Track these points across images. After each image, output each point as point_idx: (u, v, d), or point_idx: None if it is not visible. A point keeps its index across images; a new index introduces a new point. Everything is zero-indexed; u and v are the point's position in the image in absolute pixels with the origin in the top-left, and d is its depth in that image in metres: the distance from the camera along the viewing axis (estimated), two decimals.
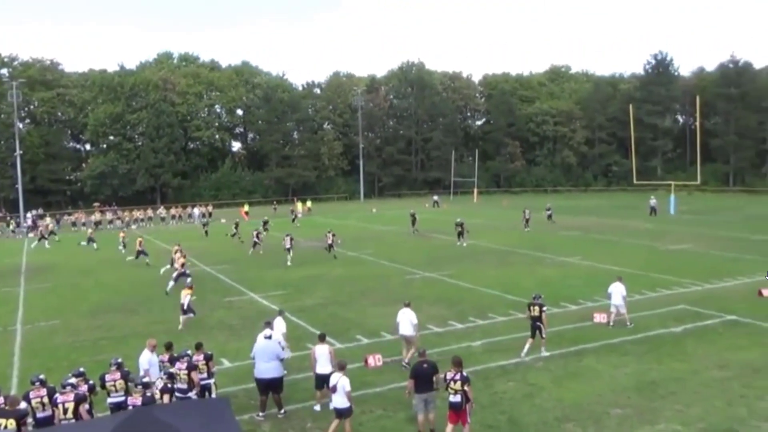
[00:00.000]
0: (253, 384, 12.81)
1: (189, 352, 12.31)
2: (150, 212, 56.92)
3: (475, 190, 78.70)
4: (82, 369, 11.53)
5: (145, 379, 10.98)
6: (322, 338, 12.95)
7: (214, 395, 12.11)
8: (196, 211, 58.61)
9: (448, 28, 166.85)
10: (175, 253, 27.75)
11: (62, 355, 16.59)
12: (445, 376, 10.82)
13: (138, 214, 56.08)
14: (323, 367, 12.49)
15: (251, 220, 52.35)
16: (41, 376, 10.81)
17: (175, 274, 24.66)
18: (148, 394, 10.51)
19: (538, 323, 15.37)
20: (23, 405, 10.14)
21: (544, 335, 15.43)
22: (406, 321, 15.15)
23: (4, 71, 74.73)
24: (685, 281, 23.64)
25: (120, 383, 11.31)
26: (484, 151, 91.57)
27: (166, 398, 10.80)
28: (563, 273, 26.08)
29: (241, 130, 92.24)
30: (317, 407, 12.58)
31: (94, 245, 38.44)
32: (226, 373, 14.40)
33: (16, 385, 14.35)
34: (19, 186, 60.89)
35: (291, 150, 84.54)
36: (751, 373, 13.78)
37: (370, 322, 18.78)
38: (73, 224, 53.91)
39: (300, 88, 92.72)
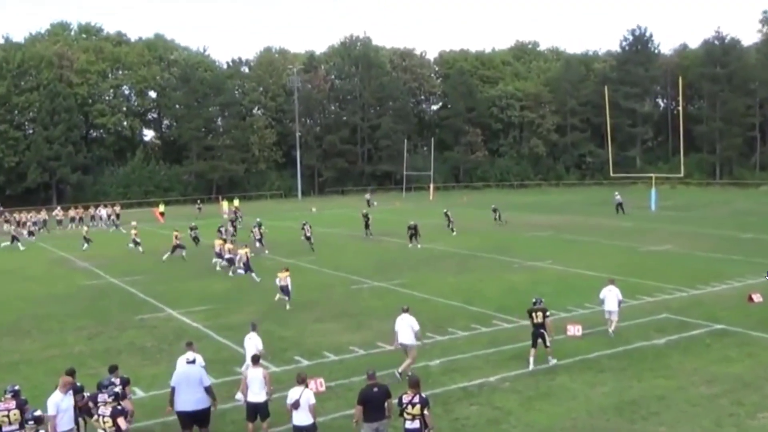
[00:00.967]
0: (172, 417, 12.60)
1: (114, 380, 12.00)
2: (44, 214, 55.18)
3: (431, 186, 79.44)
4: None
5: (39, 413, 10.68)
6: (254, 361, 12.83)
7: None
8: (104, 212, 57.27)
9: None
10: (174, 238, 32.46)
11: None
12: (401, 399, 10.86)
13: (29, 216, 54.23)
14: (256, 394, 12.38)
15: (167, 223, 51.44)
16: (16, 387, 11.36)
17: (223, 262, 29.43)
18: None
19: (542, 330, 15.87)
20: None
21: (548, 343, 15.90)
22: (406, 328, 15.45)
23: None
24: (668, 287, 24.38)
25: (15, 414, 10.94)
26: (440, 141, 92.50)
27: (122, 423, 10.49)
28: (532, 279, 26.54)
29: (155, 115, 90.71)
30: None
31: None
32: (140, 404, 14.12)
33: None
34: None
35: (214, 139, 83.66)
36: (741, 389, 14.31)
37: (310, 340, 18.73)
38: None
39: (225, 67, 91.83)
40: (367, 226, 41.58)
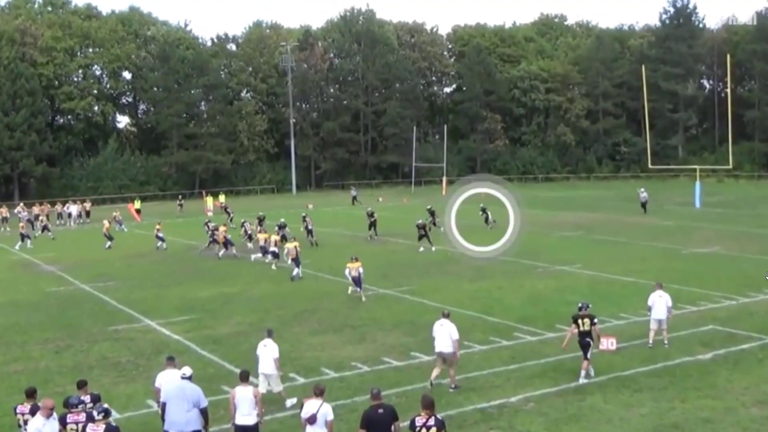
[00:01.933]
0: None
1: (83, 397, 12.06)
2: (4, 211, 55.36)
3: (444, 179, 79.48)
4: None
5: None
6: (244, 378, 12.85)
7: None
8: (73, 209, 57.39)
9: None
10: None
11: None
12: (413, 422, 10.83)
13: None
14: (245, 416, 12.40)
15: (146, 221, 51.58)
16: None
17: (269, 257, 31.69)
18: None
19: (588, 339, 16.10)
20: None
21: (589, 355, 16.13)
22: (445, 335, 15.67)
23: None
24: (715, 294, 24.34)
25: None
26: (454, 128, 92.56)
27: None
28: (559, 285, 26.54)
29: (129, 99, 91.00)
30: None
31: None
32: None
33: None
34: None
35: (197, 127, 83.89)
36: None
37: (306, 355, 18.74)
38: None
39: (209, 44, 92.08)
40: (372, 226, 41.57)
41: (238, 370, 14.36)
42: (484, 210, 45.81)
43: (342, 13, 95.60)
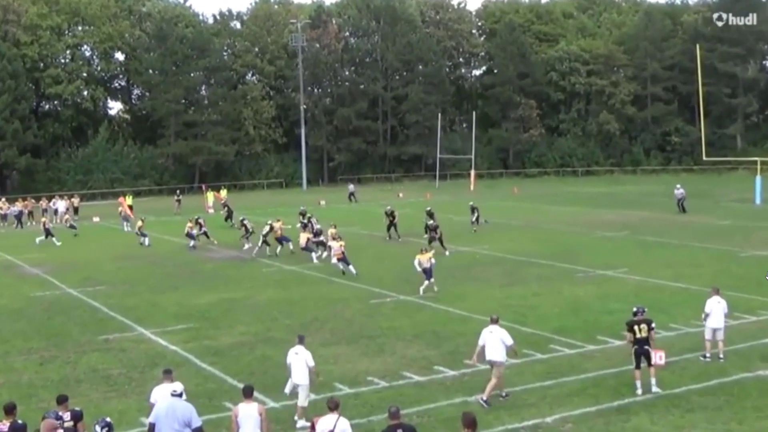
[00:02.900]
0: None
1: (62, 414, 12.16)
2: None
3: (472, 173, 79.41)
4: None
5: None
6: (247, 393, 12.89)
7: None
8: (61, 204, 57.62)
9: None
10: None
11: None
12: None
13: None
14: None
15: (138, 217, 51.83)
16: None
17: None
18: None
19: (646, 347, 16.23)
20: None
21: (656, 361, 16.28)
22: (497, 342, 15.89)
23: None
24: None
25: None
26: (484, 115, 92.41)
27: None
28: (601, 292, 26.46)
29: (122, 83, 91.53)
30: None
31: None
32: None
33: None
34: None
35: (198, 114, 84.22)
36: None
37: (318, 369, 18.75)
38: None
39: (210, 21, 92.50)
40: (390, 226, 41.45)
41: (241, 385, 14.43)
42: (473, 209, 44.85)
43: None
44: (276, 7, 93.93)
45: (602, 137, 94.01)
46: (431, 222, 37.90)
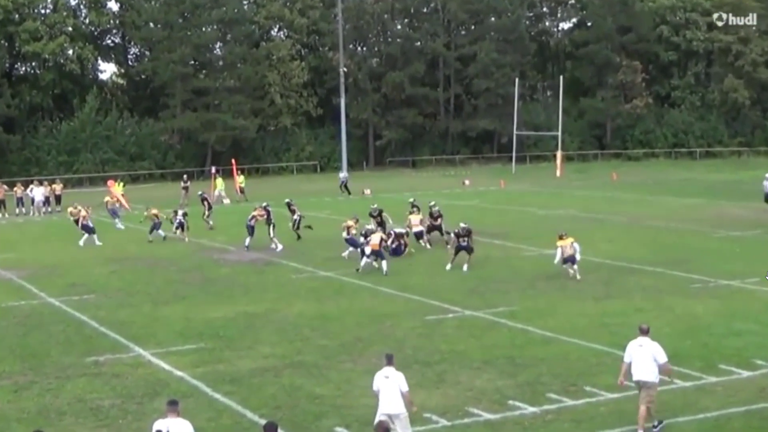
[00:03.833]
0: None
1: None
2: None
3: (559, 154, 78.98)
4: None
5: None
6: (270, 431, 12.97)
7: None
8: (39, 192, 58.24)
9: None
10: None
11: None
12: None
13: None
14: None
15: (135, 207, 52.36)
16: None
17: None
18: None
19: None
20: None
21: None
22: (647, 358, 15.96)
23: None
24: None
25: None
26: (574, 81, 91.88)
27: None
28: (725, 308, 26.18)
29: (117, 40, 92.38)
30: None
31: None
32: None
33: None
34: None
35: (210, 78, 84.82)
36: None
37: (359, 402, 18.76)
38: None
39: None
40: (434, 229, 40.70)
41: (263, 422, 14.50)
42: (414, 206, 44.44)
43: None
44: None
45: (727, 109, 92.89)
46: (463, 225, 37.55)
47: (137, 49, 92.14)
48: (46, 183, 61.11)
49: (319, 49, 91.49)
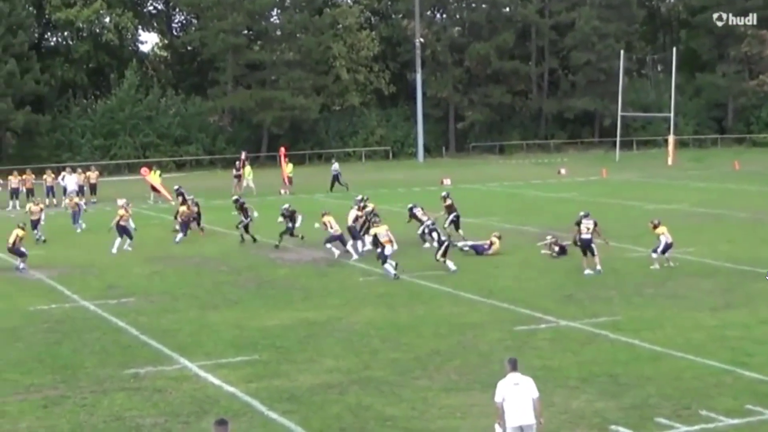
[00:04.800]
0: None
1: None
2: (29, 179, 57.79)
3: (671, 139, 78.33)
4: None
5: None
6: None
7: None
8: (71, 180, 58.76)
9: None
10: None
11: None
12: None
13: None
14: None
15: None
16: None
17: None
18: None
19: None
20: None
21: None
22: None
23: None
24: None
25: None
26: (690, 53, 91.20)
27: None
28: None
29: (160, 6, 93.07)
30: None
31: None
32: None
33: None
34: None
35: (266, 51, 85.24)
36: None
37: (435, 425, 18.81)
38: None
39: None
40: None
41: None
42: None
43: None
44: None
45: None
46: (552, 239, 37.85)
47: (183, 17, 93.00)
48: (79, 170, 61.71)
49: (391, 16, 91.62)
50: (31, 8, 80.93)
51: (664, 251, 32.86)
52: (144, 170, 62.01)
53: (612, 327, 25.83)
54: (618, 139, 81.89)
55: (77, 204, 45.38)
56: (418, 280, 32.60)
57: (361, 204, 40.31)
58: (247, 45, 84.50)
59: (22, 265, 35.97)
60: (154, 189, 58.64)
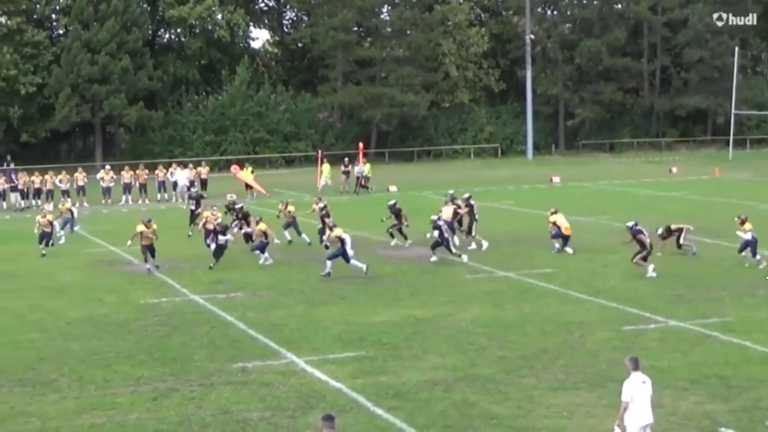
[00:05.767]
0: None
1: None
2: (80, 176, 58.43)
3: None
4: None
5: None
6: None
7: None
8: (182, 176, 59.30)
9: None
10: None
11: None
12: None
13: (50, 179, 57.59)
14: None
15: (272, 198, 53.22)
16: None
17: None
18: None
19: None
20: None
21: None
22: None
23: None
24: None
25: None
26: None
27: None
28: None
29: (271, 3, 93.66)
30: None
31: None
32: None
33: None
34: None
35: (376, 47, 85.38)
36: None
37: (542, 423, 18.73)
38: None
39: None
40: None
41: None
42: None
43: None
44: None
45: None
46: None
47: (293, 14, 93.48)
48: (191, 165, 62.58)
49: (501, 13, 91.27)
50: (145, 5, 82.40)
51: (743, 249, 33.55)
52: (234, 168, 62.33)
53: (723, 328, 25.51)
54: (731, 137, 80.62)
55: (69, 210, 44.58)
56: (526, 278, 32.52)
57: (451, 200, 40.19)
58: (356, 42, 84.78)
59: (150, 266, 35.24)
60: (248, 186, 58.89)
